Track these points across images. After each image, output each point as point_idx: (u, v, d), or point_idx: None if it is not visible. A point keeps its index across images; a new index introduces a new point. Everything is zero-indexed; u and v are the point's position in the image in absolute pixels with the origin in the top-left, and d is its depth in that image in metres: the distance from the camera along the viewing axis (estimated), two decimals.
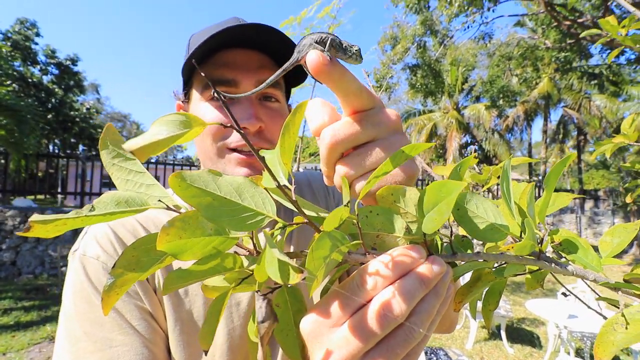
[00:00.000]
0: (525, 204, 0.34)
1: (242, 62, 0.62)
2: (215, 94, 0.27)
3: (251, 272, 0.35)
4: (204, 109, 0.64)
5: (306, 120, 0.38)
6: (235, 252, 0.34)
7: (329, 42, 0.38)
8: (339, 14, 3.84)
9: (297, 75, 0.68)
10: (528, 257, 0.34)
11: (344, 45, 0.39)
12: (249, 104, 0.61)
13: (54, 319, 4.48)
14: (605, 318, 0.35)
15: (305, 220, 0.32)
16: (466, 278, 0.42)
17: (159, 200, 0.33)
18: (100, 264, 0.58)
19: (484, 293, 0.43)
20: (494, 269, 0.37)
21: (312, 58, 0.33)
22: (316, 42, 0.39)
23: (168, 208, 0.32)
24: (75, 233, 6.61)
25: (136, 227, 0.64)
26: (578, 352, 4.13)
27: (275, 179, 0.29)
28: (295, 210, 0.32)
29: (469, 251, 0.37)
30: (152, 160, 8.12)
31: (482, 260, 0.35)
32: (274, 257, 0.26)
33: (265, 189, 0.32)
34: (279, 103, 0.66)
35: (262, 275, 0.29)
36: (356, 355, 0.29)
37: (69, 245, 6.19)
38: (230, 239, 0.31)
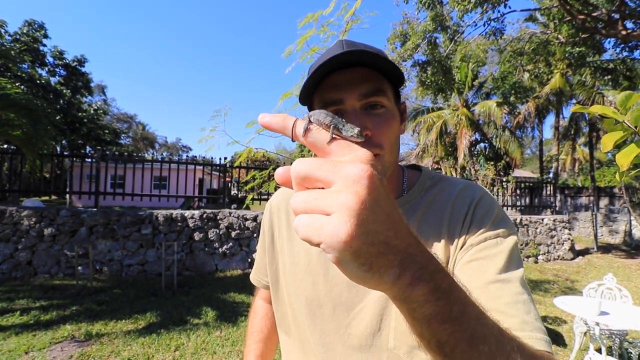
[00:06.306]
0: None
1: (346, 81, 0.69)
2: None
3: None
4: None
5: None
6: None
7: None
8: (358, 12, 3.79)
9: (399, 77, 0.74)
10: None
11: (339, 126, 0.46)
12: (354, 117, 0.67)
13: (73, 318, 4.46)
14: None
15: None
16: None
17: None
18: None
19: None
20: None
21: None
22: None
23: None
24: (91, 232, 6.59)
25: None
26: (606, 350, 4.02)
27: None
28: None
29: None
30: (158, 159, 8.13)
31: None
32: None
33: None
34: (384, 108, 0.71)
35: None
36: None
37: (84, 244, 6.18)
38: None
